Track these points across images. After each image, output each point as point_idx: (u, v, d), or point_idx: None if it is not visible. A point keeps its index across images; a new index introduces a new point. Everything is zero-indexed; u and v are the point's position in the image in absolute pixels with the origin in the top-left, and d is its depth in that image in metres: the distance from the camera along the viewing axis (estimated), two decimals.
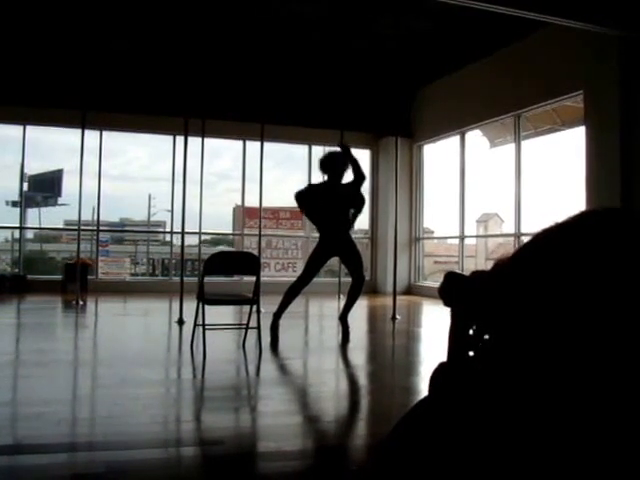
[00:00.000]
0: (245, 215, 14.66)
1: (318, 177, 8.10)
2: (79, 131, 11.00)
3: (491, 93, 11.54)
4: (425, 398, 0.76)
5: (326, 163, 7.66)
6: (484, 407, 0.67)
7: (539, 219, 10.55)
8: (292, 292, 7.48)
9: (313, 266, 7.61)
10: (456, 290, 1.68)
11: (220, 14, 10.00)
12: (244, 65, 12.28)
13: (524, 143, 11.51)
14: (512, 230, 11.54)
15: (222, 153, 16.28)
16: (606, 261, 0.61)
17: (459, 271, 1.19)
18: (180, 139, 10.68)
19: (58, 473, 3.04)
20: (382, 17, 10.06)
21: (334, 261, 9.41)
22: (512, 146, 11.67)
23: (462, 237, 13.43)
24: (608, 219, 0.66)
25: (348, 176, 7.62)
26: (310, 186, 8.03)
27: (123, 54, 11.78)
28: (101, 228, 14.05)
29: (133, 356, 6.30)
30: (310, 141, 14.68)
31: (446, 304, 1.77)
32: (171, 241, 14.81)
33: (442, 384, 0.78)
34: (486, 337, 0.75)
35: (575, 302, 0.61)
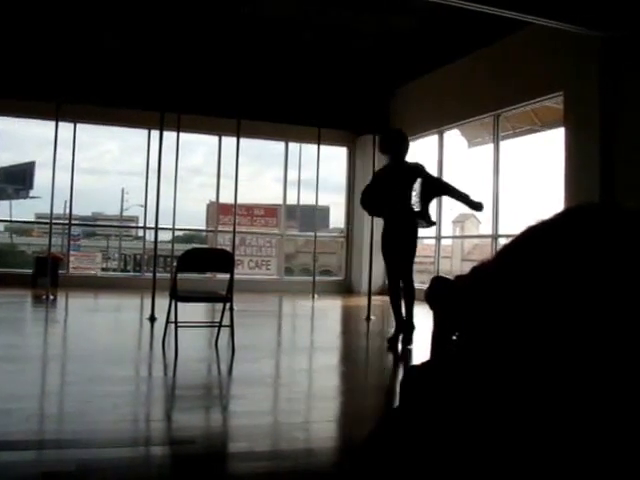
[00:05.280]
0: (219, 211, 14.55)
1: (293, 174, 8.00)
2: (52, 123, 10.88)
3: (470, 93, 11.55)
4: (399, 405, 0.75)
5: (384, 144, 7.38)
6: (460, 416, 0.64)
7: (517, 220, 10.58)
8: (390, 295, 7.27)
9: (387, 258, 7.29)
10: (440, 295, 1.64)
11: (198, 9, 9.92)
12: (221, 60, 12.20)
13: (502, 144, 11.54)
14: (489, 231, 11.55)
15: (196, 148, 16.18)
16: (596, 262, 0.59)
17: (445, 275, 1.17)
18: (155, 133, 10.55)
19: (27, 471, 2.98)
20: (361, 15, 10.03)
21: (308, 259, 9.33)
22: (490, 146, 11.70)
23: (438, 238, 13.42)
24: (594, 217, 0.64)
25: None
26: (374, 175, 7.66)
27: (98, 46, 11.65)
28: (73, 222, 13.91)
29: (103, 353, 6.21)
30: (287, 138, 14.67)
31: (432, 308, 1.72)
32: (144, 236, 14.68)
33: (415, 391, 0.75)
34: (464, 342, 0.74)
35: (563, 305, 0.59)
